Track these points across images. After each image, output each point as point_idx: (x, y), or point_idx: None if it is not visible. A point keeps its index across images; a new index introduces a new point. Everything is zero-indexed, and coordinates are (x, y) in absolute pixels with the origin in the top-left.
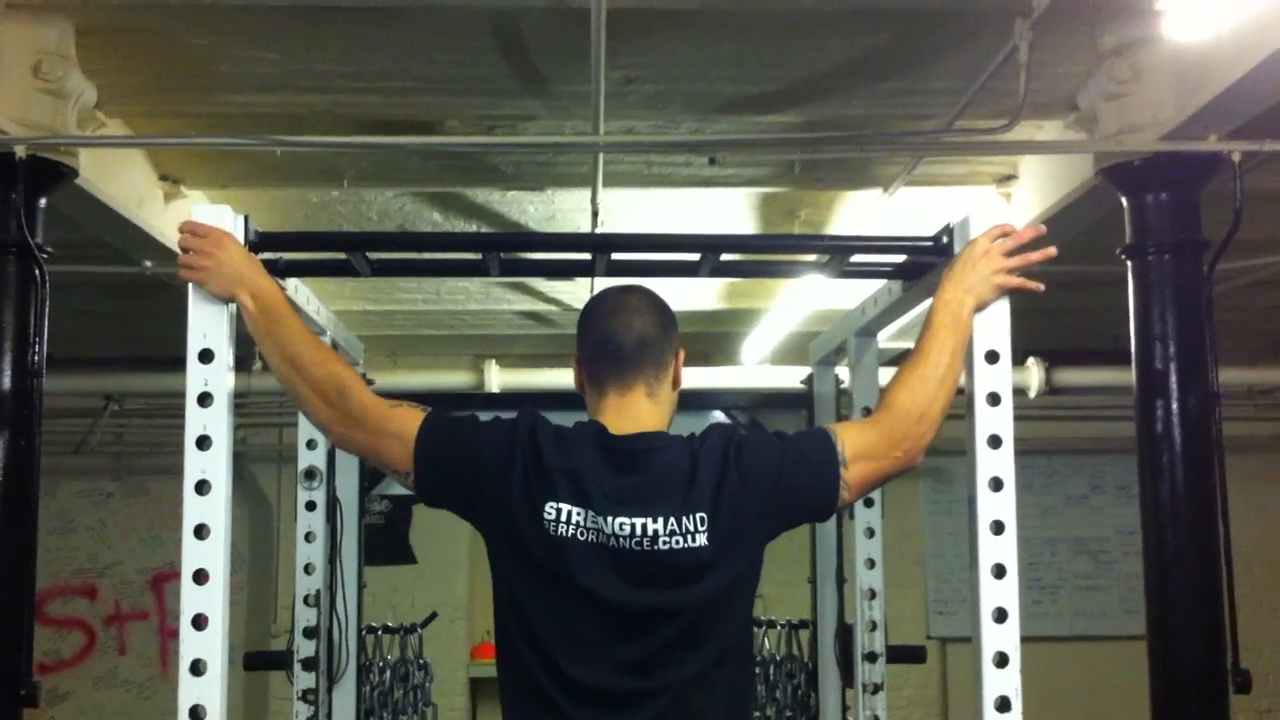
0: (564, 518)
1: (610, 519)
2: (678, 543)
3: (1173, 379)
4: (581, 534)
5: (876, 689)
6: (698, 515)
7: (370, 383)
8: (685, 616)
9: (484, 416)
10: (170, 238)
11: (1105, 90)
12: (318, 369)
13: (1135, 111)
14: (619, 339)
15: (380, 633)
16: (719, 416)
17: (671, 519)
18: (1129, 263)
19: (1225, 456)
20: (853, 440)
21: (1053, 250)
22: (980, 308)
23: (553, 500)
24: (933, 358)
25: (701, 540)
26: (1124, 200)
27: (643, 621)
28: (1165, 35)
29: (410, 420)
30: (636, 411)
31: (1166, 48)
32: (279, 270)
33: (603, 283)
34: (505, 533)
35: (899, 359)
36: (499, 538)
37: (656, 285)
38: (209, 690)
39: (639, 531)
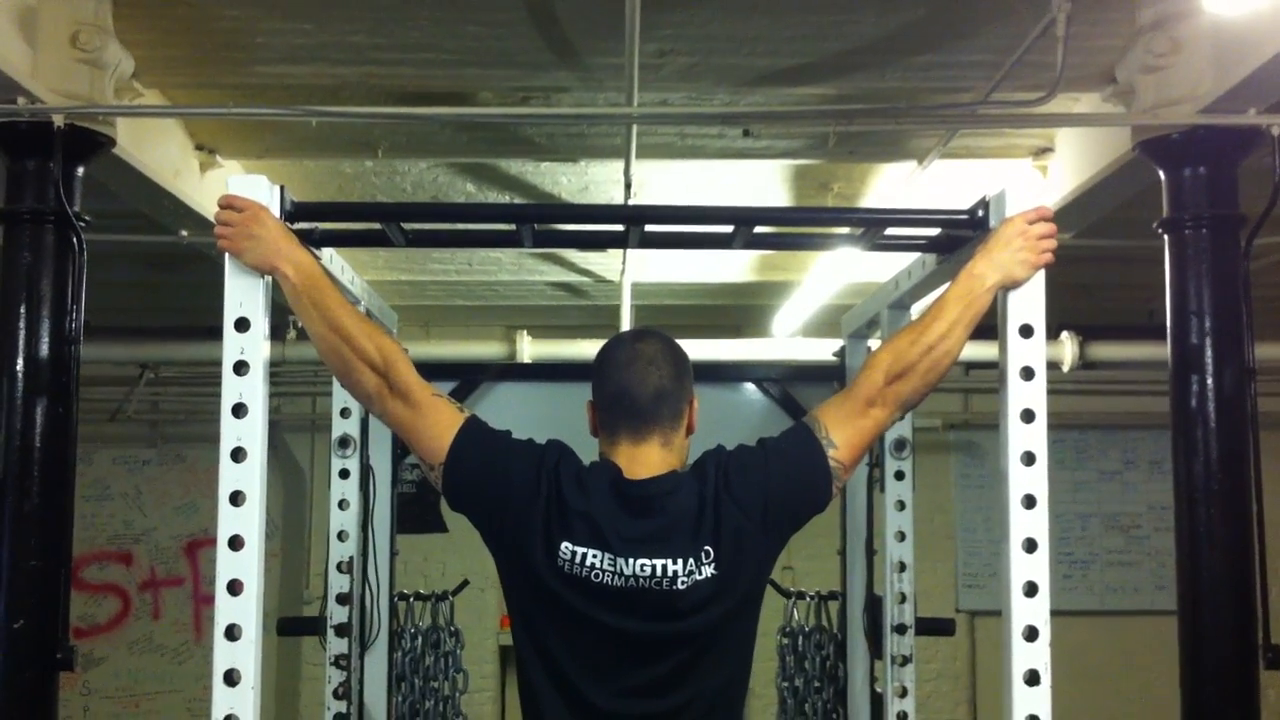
0: (578, 559)
1: (631, 560)
2: (693, 579)
3: (1208, 354)
4: (596, 575)
5: (905, 661)
6: (705, 549)
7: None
8: (698, 641)
9: (517, 435)
10: (206, 208)
11: (1143, 63)
12: (365, 340)
13: (1173, 85)
14: (634, 393)
15: (412, 600)
16: (751, 389)
17: (691, 559)
18: (1166, 237)
19: (1260, 432)
20: (830, 416)
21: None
22: (1011, 287)
23: (568, 541)
24: (930, 324)
25: (710, 571)
26: (1161, 174)
27: (656, 649)
28: (1204, 8)
29: (450, 421)
30: (649, 459)
31: (1205, 21)
32: (314, 240)
33: (635, 255)
34: (521, 561)
35: None
36: (514, 566)
37: (689, 257)
38: (244, 655)
39: (659, 573)
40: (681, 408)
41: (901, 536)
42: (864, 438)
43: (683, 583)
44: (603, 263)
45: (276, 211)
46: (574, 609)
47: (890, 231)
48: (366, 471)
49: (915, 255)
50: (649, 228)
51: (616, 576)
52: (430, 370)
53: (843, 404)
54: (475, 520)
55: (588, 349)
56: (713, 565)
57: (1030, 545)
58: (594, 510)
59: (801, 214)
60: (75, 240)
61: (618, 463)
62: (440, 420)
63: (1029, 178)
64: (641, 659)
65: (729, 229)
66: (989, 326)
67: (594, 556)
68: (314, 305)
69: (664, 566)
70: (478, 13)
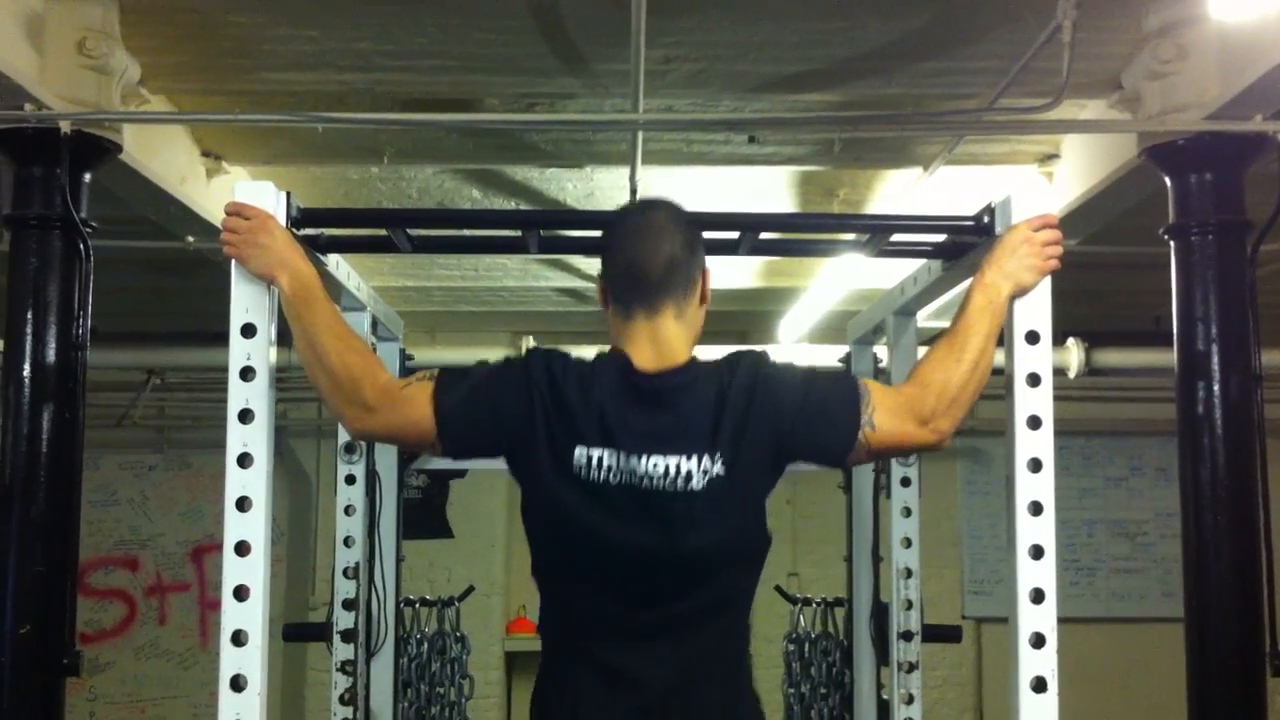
0: (592, 463)
1: (643, 458)
2: (706, 477)
3: (1214, 361)
4: (613, 477)
5: (911, 667)
6: (721, 452)
7: (409, 358)
8: (709, 551)
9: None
10: (212, 214)
11: (1149, 70)
12: (335, 358)
13: (1179, 91)
14: (645, 264)
15: (418, 605)
16: None
17: (705, 455)
18: (1171, 243)
19: (1266, 439)
20: (882, 402)
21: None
22: (1019, 294)
23: (581, 445)
24: (968, 340)
25: (721, 470)
26: (1167, 180)
27: (670, 559)
28: (1211, 15)
29: (420, 396)
30: (665, 336)
31: (1212, 27)
32: (320, 246)
33: None
34: (536, 480)
35: (938, 339)
36: (531, 483)
37: None
38: (250, 660)
39: (672, 471)
40: (694, 275)
41: (908, 543)
42: (898, 443)
43: (697, 482)
44: None
45: (282, 218)
46: (589, 517)
47: (896, 237)
48: (372, 477)
49: (921, 261)
50: None
51: (630, 476)
52: None
53: (896, 401)
54: (487, 454)
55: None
56: (724, 465)
57: (1037, 552)
58: (603, 407)
59: (807, 220)
60: (82, 246)
61: (629, 350)
62: (415, 406)
63: (1035, 184)
64: (656, 566)
65: (735, 235)
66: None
67: (608, 457)
68: (298, 319)
69: (677, 465)
70: (484, 19)
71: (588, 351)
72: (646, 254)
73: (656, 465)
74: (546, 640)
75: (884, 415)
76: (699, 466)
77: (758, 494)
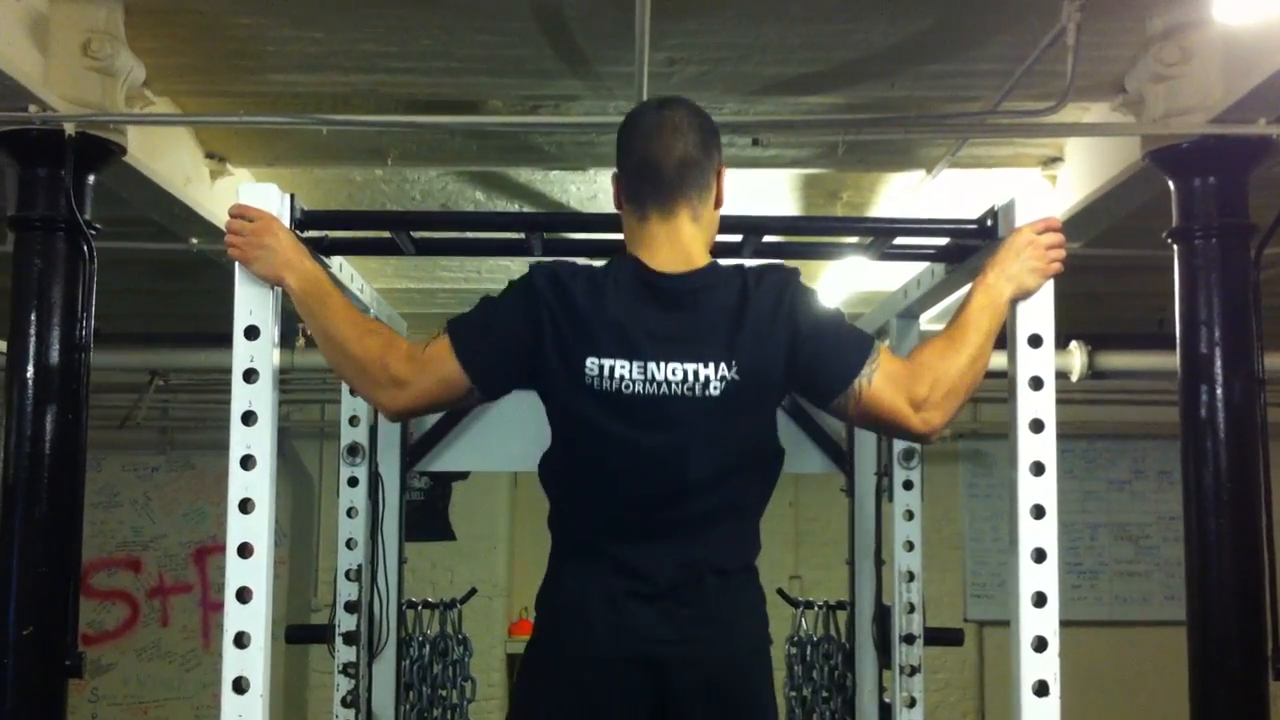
0: (607, 372)
1: (663, 364)
2: (723, 385)
3: (1217, 364)
4: (627, 386)
5: (913, 671)
6: (739, 358)
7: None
8: (724, 452)
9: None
10: (216, 215)
11: (1153, 73)
12: (356, 345)
13: (1183, 94)
14: (660, 162)
15: (420, 608)
16: None
17: (722, 363)
18: (1175, 246)
19: (1269, 443)
20: (885, 370)
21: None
22: (1021, 297)
23: (593, 355)
24: (967, 336)
25: (739, 380)
26: (1171, 184)
27: (682, 462)
28: (1214, 18)
29: (442, 350)
30: (681, 238)
31: (1215, 31)
32: (323, 248)
33: None
34: (551, 391)
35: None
36: (547, 395)
37: None
38: (252, 662)
39: (691, 378)
40: (709, 178)
41: (910, 546)
42: (885, 415)
43: (714, 388)
44: None
45: (286, 219)
46: (604, 425)
47: (899, 240)
48: (375, 479)
49: (924, 264)
50: None
51: (648, 384)
52: None
53: (897, 370)
54: (524, 384)
55: None
56: (740, 371)
57: (1039, 555)
58: (619, 313)
59: (810, 223)
60: (86, 247)
61: (644, 252)
62: (439, 361)
63: (1038, 187)
64: (668, 469)
65: (738, 238)
66: (999, 335)
67: (623, 367)
68: (314, 315)
69: (695, 371)
70: (488, 21)
71: None
72: (660, 151)
73: (675, 371)
74: (557, 538)
75: (882, 378)
76: (716, 373)
77: (771, 402)
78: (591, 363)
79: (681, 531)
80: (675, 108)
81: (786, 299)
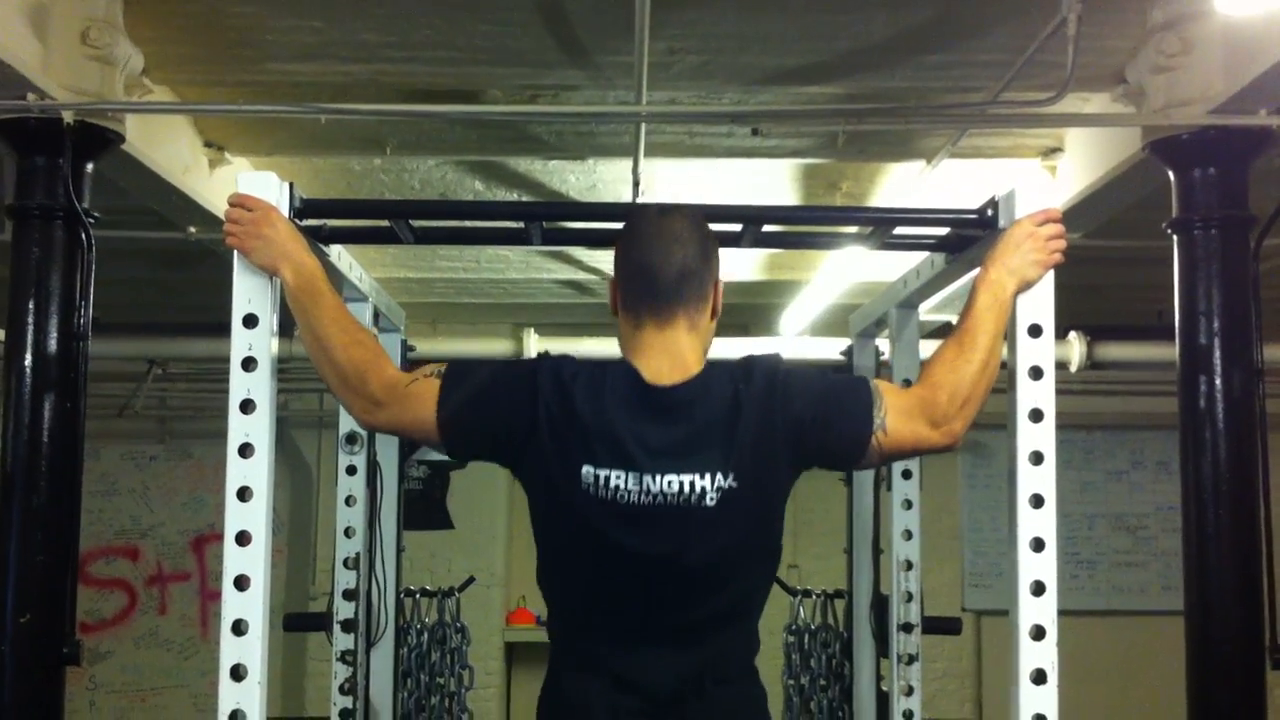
0: (602, 482)
1: (659, 477)
2: (720, 493)
3: (1217, 355)
4: (622, 496)
5: (911, 659)
6: (736, 465)
7: (411, 349)
8: (723, 560)
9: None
10: (215, 204)
11: (1154, 63)
12: (341, 353)
13: (1184, 85)
14: (658, 270)
15: (418, 596)
16: None
17: (719, 472)
18: (1175, 237)
19: (1268, 434)
20: (897, 407)
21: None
22: (1024, 289)
23: (590, 464)
24: (976, 339)
25: (734, 483)
26: (1171, 175)
27: (681, 568)
28: (1215, 9)
29: (427, 393)
30: (677, 348)
31: (1216, 22)
32: (322, 237)
33: None
34: (543, 489)
35: (940, 332)
36: (538, 494)
37: None
38: (250, 650)
39: (688, 489)
40: (707, 288)
41: (908, 535)
42: (909, 445)
43: (711, 498)
44: (610, 261)
45: (285, 208)
46: (600, 532)
47: (899, 230)
48: (373, 468)
49: (924, 255)
50: None
51: (644, 495)
52: None
53: (909, 403)
54: (495, 460)
55: (595, 347)
56: (737, 478)
57: (1038, 545)
58: (615, 423)
59: (810, 213)
60: (84, 236)
61: (639, 363)
62: (422, 398)
63: (1038, 178)
64: (665, 576)
65: (737, 227)
66: None
67: (618, 477)
68: (303, 312)
69: (691, 483)
70: (487, 11)
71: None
72: (659, 260)
73: (671, 483)
74: (556, 645)
75: (896, 417)
76: (713, 484)
77: (772, 505)
78: (587, 470)
79: (682, 639)
80: (675, 216)
81: (778, 391)
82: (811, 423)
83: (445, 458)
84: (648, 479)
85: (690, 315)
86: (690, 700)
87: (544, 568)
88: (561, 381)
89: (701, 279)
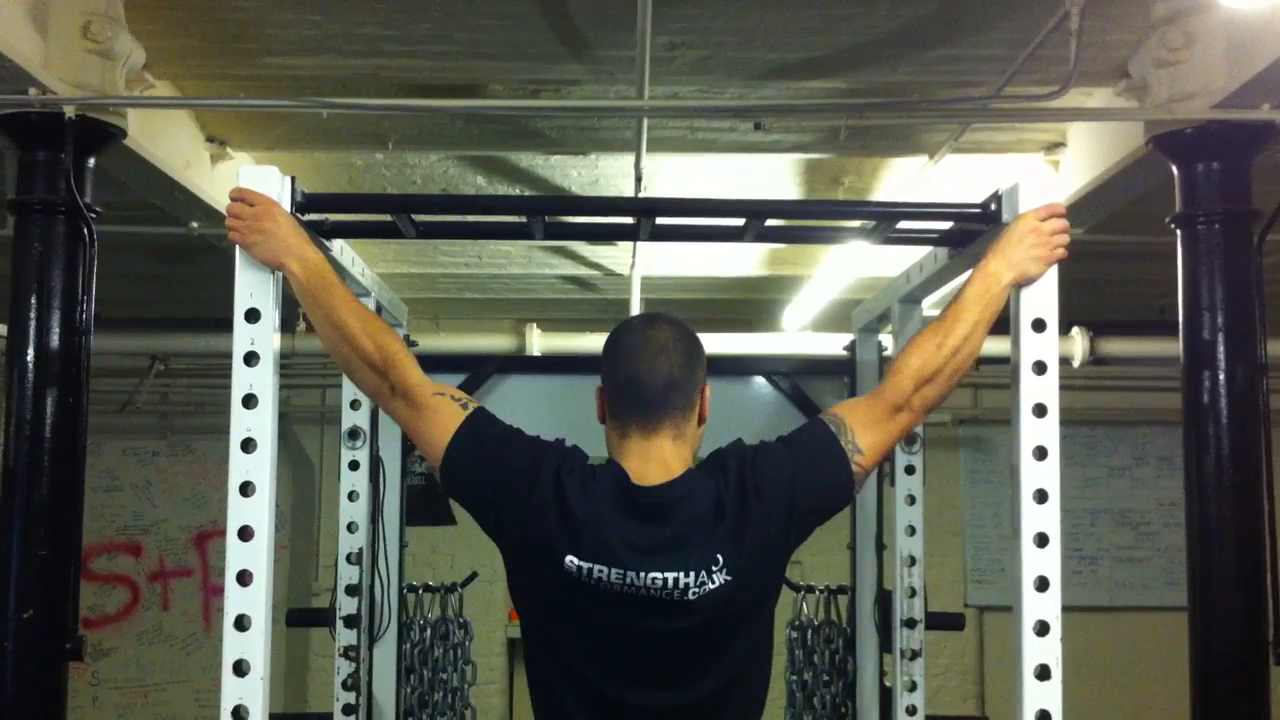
0: (585, 573)
1: (642, 574)
2: (704, 588)
3: (1220, 350)
4: (603, 585)
5: (914, 655)
6: (719, 555)
7: (413, 344)
8: (708, 640)
9: (527, 428)
10: (216, 199)
11: (1157, 58)
12: (366, 339)
13: (1187, 80)
14: (644, 381)
15: (421, 591)
16: (761, 383)
17: (703, 569)
18: (1178, 232)
19: (1272, 429)
20: (858, 419)
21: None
22: (1025, 283)
23: (574, 555)
24: (953, 326)
25: (723, 578)
26: (1174, 169)
27: (665, 646)
28: (1219, 2)
29: (450, 420)
30: (660, 454)
31: (1219, 16)
32: (324, 231)
33: (645, 248)
34: (525, 566)
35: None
36: (518, 569)
37: (699, 250)
38: (253, 645)
39: (671, 585)
40: (693, 397)
41: (912, 531)
42: (890, 443)
43: (694, 593)
44: (612, 256)
45: (287, 203)
46: (581, 609)
47: (902, 225)
48: (376, 464)
49: (927, 249)
50: (659, 221)
51: (627, 588)
52: (440, 363)
53: (871, 408)
54: (476, 516)
55: (597, 342)
56: (726, 571)
57: (1042, 540)
58: (601, 521)
59: (813, 207)
60: (86, 231)
61: (627, 465)
62: (440, 421)
63: (1041, 172)
64: (652, 655)
65: (740, 222)
66: (1001, 321)
67: (601, 570)
68: (318, 303)
69: (675, 579)
70: (489, 5)
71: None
72: (645, 371)
73: (655, 580)
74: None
75: (864, 434)
76: (696, 579)
77: (763, 591)
78: (570, 560)
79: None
80: (661, 326)
81: (749, 481)
82: (795, 494)
83: None
84: (631, 574)
85: (676, 424)
86: None
87: (529, 642)
88: (559, 480)
89: (688, 388)
